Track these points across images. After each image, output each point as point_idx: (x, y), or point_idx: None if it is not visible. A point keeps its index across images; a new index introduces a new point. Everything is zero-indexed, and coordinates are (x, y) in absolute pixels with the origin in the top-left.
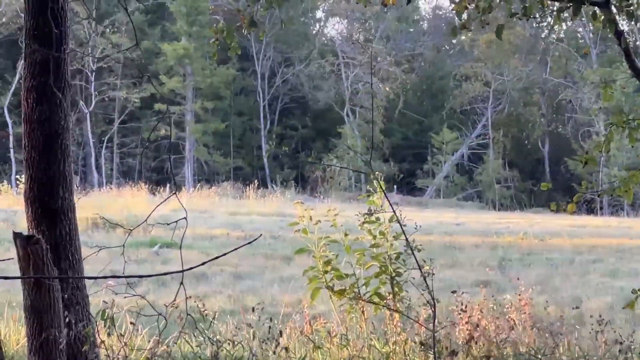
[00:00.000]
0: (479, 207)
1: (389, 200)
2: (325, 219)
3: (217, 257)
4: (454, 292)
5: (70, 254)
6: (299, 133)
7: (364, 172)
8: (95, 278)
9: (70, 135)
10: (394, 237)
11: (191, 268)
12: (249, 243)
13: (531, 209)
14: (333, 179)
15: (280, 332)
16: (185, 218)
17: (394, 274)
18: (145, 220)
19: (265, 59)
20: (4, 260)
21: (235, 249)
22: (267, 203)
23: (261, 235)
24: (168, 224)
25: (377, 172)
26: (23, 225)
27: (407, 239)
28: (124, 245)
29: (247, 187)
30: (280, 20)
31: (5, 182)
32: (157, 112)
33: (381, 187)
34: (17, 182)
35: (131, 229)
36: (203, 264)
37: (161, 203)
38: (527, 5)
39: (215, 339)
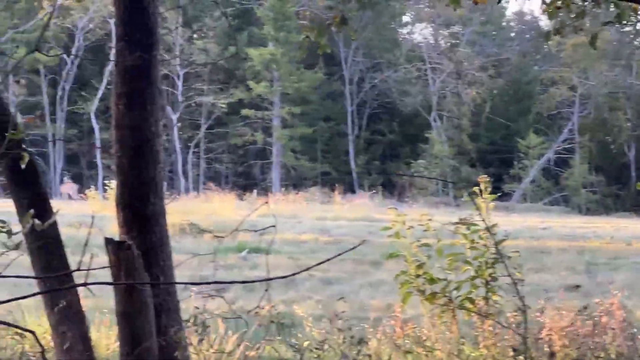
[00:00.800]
0: (564, 211)
1: (479, 210)
2: (419, 224)
3: (319, 263)
4: (546, 297)
5: (162, 260)
6: (387, 138)
7: (453, 182)
8: (186, 284)
9: (160, 141)
10: (485, 245)
11: (280, 277)
12: (352, 249)
13: (616, 213)
14: (422, 189)
15: (368, 339)
16: (274, 226)
17: (489, 279)
18: (237, 227)
19: (353, 64)
20: (97, 268)
21: (339, 254)
22: (355, 208)
23: (364, 241)
24: (257, 231)
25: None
26: (111, 230)
27: (497, 248)
28: (215, 253)
29: (334, 192)
30: (372, 22)
31: (93, 187)
32: (244, 118)
33: (475, 203)
34: (105, 187)
35: (223, 235)
36: (294, 274)
37: (253, 212)
38: (620, 12)
39: (303, 345)
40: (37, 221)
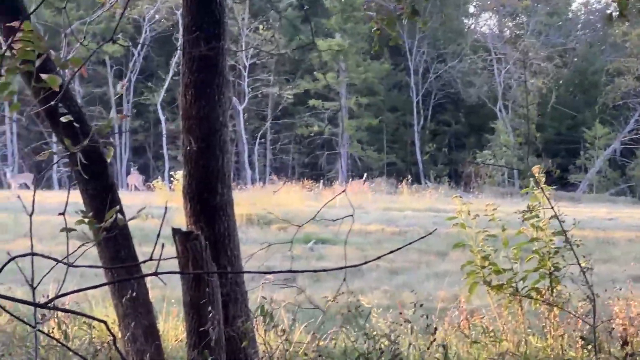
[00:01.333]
0: (631, 202)
1: (548, 199)
2: (484, 214)
3: (389, 252)
4: (614, 287)
5: (229, 250)
6: (452, 129)
7: (519, 170)
8: (254, 272)
9: (228, 131)
10: (552, 232)
11: (349, 267)
12: (422, 238)
13: None
14: (490, 177)
15: (435, 328)
16: (351, 215)
17: (552, 269)
18: (314, 217)
19: (418, 54)
20: (166, 258)
21: (409, 243)
22: (421, 199)
23: (436, 229)
24: (335, 220)
25: (536, 169)
26: (178, 221)
27: (566, 236)
28: (292, 242)
29: (400, 182)
30: (441, 13)
31: (159, 178)
32: (310, 108)
33: (540, 186)
34: (172, 178)
35: (299, 225)
36: (364, 263)
37: (330, 200)
38: None
39: (372, 334)
40: (120, 216)
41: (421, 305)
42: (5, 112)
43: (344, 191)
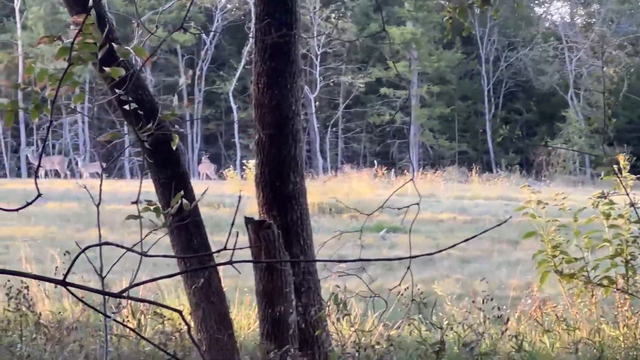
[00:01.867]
0: None
1: (623, 185)
2: (554, 204)
3: (464, 241)
4: None
5: (302, 238)
6: (523, 117)
7: (594, 156)
8: (326, 261)
9: (300, 120)
10: (631, 220)
11: (421, 255)
12: (496, 226)
13: None
14: (563, 165)
15: (508, 318)
16: (417, 203)
17: (629, 257)
18: (382, 205)
19: (489, 42)
20: (241, 248)
21: (484, 231)
22: (492, 187)
23: (511, 217)
24: (400, 208)
25: (621, 157)
26: (250, 211)
27: None
28: (361, 230)
29: (472, 171)
30: (507, 1)
31: (231, 167)
32: (382, 97)
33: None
34: (244, 167)
35: (369, 214)
36: (438, 252)
37: (398, 188)
38: None
39: (444, 324)
40: (185, 201)
41: (491, 299)
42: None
43: (411, 179)
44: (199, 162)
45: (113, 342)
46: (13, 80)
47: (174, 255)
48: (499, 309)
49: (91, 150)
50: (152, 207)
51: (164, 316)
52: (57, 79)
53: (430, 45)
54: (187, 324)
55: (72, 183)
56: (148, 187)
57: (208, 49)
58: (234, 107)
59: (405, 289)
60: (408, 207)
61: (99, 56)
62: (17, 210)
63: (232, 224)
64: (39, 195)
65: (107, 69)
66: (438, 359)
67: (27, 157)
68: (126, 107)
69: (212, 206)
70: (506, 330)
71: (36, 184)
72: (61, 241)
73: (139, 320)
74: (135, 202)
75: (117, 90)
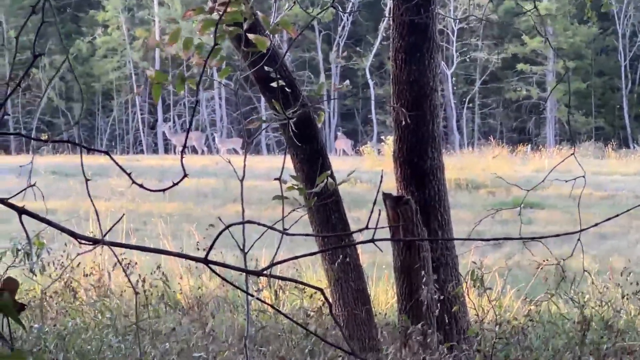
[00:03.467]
0: None
1: None
2: None
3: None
4: None
5: (440, 214)
6: None
7: None
8: (465, 239)
9: (438, 96)
10: None
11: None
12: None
13: None
14: None
15: None
16: (583, 176)
17: None
18: (543, 180)
19: (625, 18)
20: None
21: (628, 210)
22: (629, 163)
23: None
24: (567, 181)
25: None
26: (386, 187)
27: None
28: (520, 206)
29: (608, 146)
30: None
31: (369, 143)
32: (518, 73)
33: None
34: (382, 143)
35: (528, 189)
36: (596, 224)
37: (558, 164)
38: None
39: (584, 300)
40: (330, 180)
41: (629, 274)
42: (214, 76)
43: (572, 154)
44: (335, 138)
45: (251, 317)
46: (150, 58)
47: (316, 234)
48: (637, 284)
49: (228, 126)
50: (296, 187)
51: (304, 291)
52: (203, 49)
53: (566, 21)
54: (328, 302)
55: (209, 159)
56: (286, 162)
57: (345, 25)
58: (370, 83)
59: (543, 262)
60: (575, 179)
61: (245, 27)
62: (163, 190)
63: (375, 202)
64: (185, 175)
65: (252, 36)
66: (583, 337)
67: (164, 133)
68: (272, 84)
69: (350, 182)
70: None
71: (182, 164)
72: (198, 217)
73: (276, 292)
74: (278, 179)
75: (257, 67)
